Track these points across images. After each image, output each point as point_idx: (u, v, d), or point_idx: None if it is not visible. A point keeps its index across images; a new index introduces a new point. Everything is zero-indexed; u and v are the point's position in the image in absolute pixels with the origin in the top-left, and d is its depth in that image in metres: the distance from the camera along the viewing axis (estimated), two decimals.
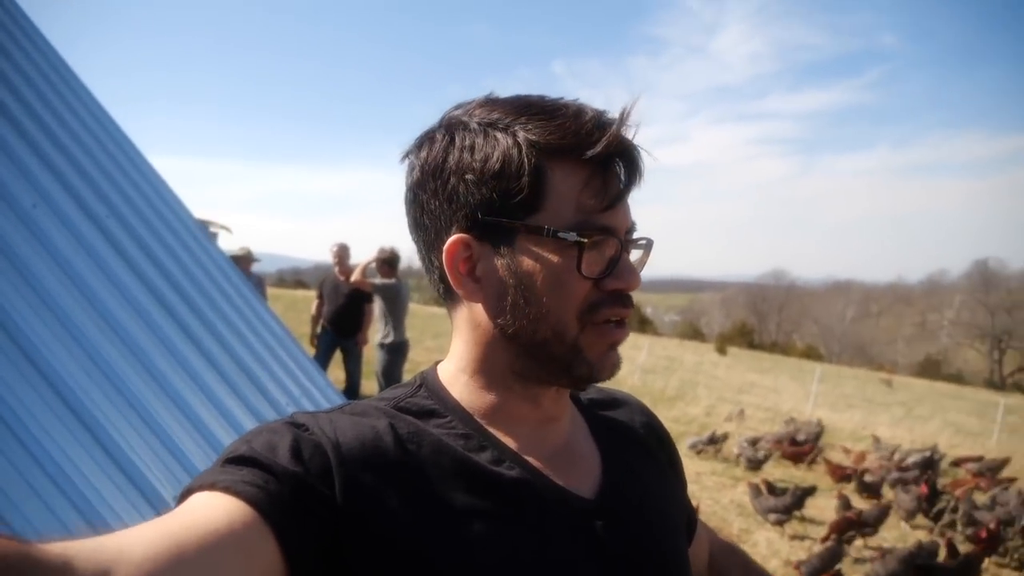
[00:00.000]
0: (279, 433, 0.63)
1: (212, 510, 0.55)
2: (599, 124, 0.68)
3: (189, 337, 2.81)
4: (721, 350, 28.29)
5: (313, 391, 3.61)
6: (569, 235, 0.67)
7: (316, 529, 0.59)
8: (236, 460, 0.60)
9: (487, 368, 0.74)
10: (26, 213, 2.34)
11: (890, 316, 63.89)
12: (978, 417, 17.75)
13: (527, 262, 0.69)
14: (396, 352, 6.67)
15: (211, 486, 0.57)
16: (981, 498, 6.78)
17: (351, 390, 7.13)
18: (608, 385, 0.91)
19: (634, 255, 0.75)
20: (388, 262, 6.59)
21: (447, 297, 0.76)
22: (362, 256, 6.86)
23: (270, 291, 10.85)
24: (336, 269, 7.22)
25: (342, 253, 7.18)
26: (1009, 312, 52.01)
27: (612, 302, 0.70)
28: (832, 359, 45.74)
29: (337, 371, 7.52)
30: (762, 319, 60.89)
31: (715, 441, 8.46)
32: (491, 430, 0.73)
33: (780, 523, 5.84)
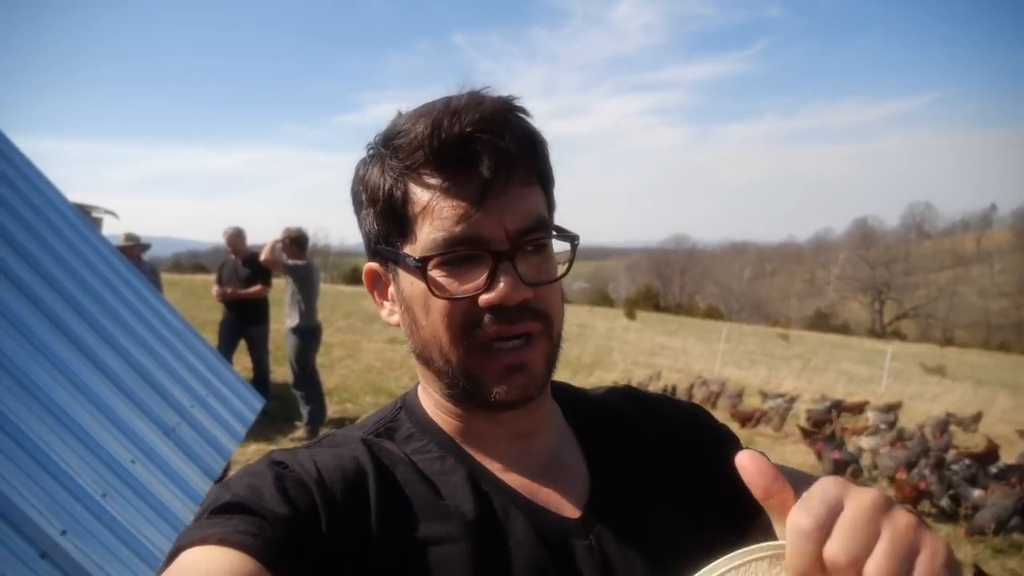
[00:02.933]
0: (259, 476, 0.62)
1: (213, 565, 0.53)
2: (445, 124, 0.63)
3: (68, 338, 2.48)
4: (630, 315, 29.05)
5: (220, 387, 3.32)
6: (410, 259, 0.66)
7: (312, 568, 0.58)
8: (222, 509, 0.58)
9: (430, 389, 0.74)
10: None
11: (783, 274, 67.77)
12: (866, 365, 19.07)
13: (406, 286, 0.69)
14: (309, 336, 6.37)
15: (203, 540, 0.55)
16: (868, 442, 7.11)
17: (259, 380, 6.78)
18: (642, 386, 0.84)
19: (562, 248, 0.70)
20: (297, 241, 6.26)
21: None
22: (260, 238, 6.55)
23: (166, 277, 10.17)
24: (232, 255, 6.85)
25: (236, 237, 6.82)
26: (887, 266, 56.26)
27: (492, 320, 0.65)
28: (732, 317, 48.05)
29: (244, 359, 7.13)
30: (666, 283, 63.16)
31: None
32: (468, 450, 0.72)
33: None
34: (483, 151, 0.63)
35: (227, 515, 0.57)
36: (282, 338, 6.80)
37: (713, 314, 44.95)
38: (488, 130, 0.63)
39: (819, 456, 6.30)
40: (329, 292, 21.12)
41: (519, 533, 0.66)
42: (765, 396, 10.01)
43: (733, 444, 0.83)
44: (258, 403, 3.72)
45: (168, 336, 3.28)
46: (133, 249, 6.43)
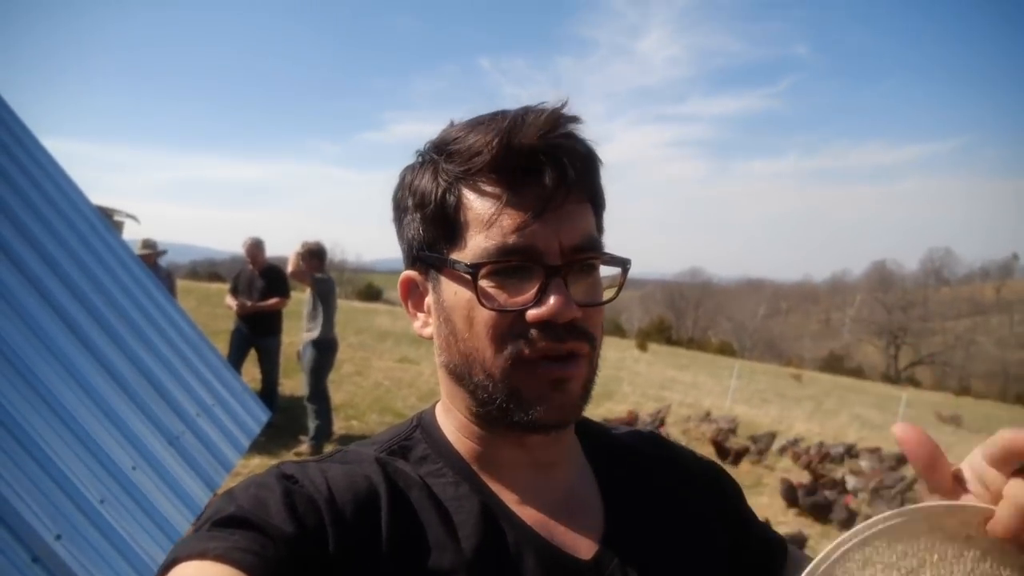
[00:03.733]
0: (268, 488, 0.59)
1: None
2: (509, 133, 0.62)
3: (79, 338, 2.47)
4: (642, 347, 28.86)
5: (227, 397, 3.29)
6: (461, 265, 0.63)
7: None
8: (225, 522, 0.55)
9: (456, 408, 0.71)
10: None
11: (798, 313, 67.22)
12: (879, 410, 18.77)
13: (448, 295, 0.66)
14: (327, 349, 6.36)
15: (201, 554, 0.52)
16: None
17: (268, 392, 6.75)
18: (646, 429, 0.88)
19: (610, 273, 0.69)
20: (316, 254, 6.29)
21: None
22: (278, 250, 6.59)
23: (182, 284, 10.23)
24: (249, 265, 6.88)
25: (255, 248, 6.87)
26: (904, 310, 55.62)
27: (540, 336, 0.62)
28: (744, 354, 47.62)
29: (253, 370, 7.11)
30: (679, 316, 62.74)
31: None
32: (483, 477, 0.69)
33: None
34: (546, 163, 0.62)
35: (230, 529, 0.55)
36: (292, 351, 6.77)
37: (725, 350, 44.57)
38: (553, 143, 0.62)
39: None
40: (343, 308, 21.12)
41: (528, 571, 0.64)
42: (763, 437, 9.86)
43: (750, 512, 0.84)
44: (264, 415, 3.69)
45: (179, 343, 3.27)
46: (150, 256, 6.47)
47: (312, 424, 6.27)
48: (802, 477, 7.76)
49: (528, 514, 0.68)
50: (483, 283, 0.63)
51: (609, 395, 13.25)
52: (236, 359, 6.66)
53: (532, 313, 0.62)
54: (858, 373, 43.78)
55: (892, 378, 47.47)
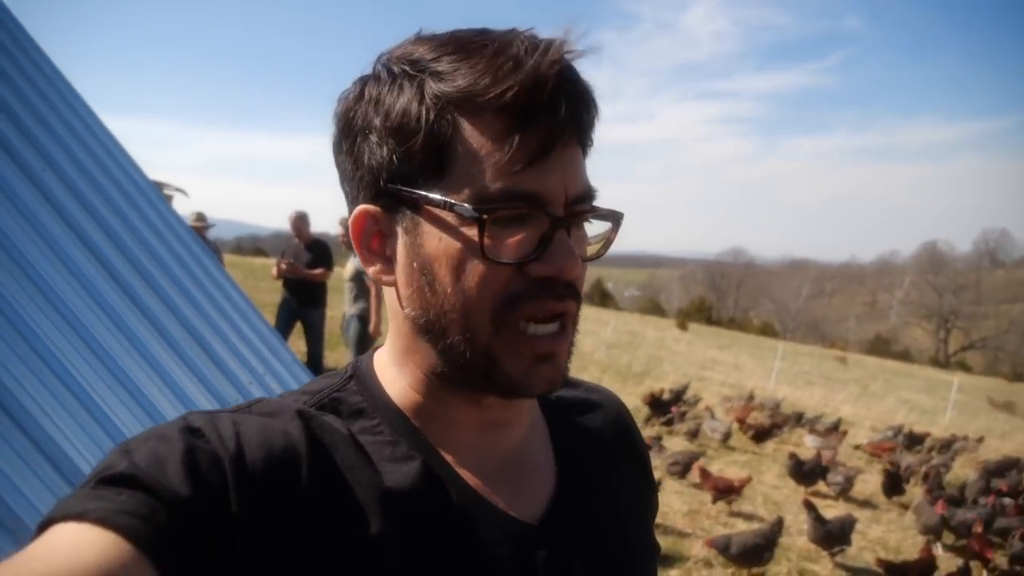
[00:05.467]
0: (169, 442, 0.52)
1: (79, 548, 0.44)
2: (519, 62, 0.54)
3: (138, 307, 2.52)
4: (682, 326, 28.59)
5: (277, 366, 3.35)
6: (464, 208, 0.54)
7: (212, 562, 0.48)
8: (113, 479, 0.48)
9: (412, 363, 0.63)
10: None
11: (842, 295, 65.70)
12: (928, 394, 18.29)
13: (430, 241, 0.57)
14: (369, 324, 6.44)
15: (79, 516, 0.45)
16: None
17: (313, 363, 6.87)
18: (586, 379, 0.83)
19: (595, 229, 0.62)
20: None
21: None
22: (321, 225, 6.67)
23: (228, 258, 10.44)
24: (295, 239, 6.98)
25: (300, 221, 6.97)
26: (955, 293, 53.89)
27: (538, 293, 0.57)
28: (786, 336, 46.81)
29: (299, 342, 7.24)
30: (720, 296, 61.92)
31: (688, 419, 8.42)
32: (426, 435, 0.62)
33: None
34: (560, 97, 0.55)
35: (117, 488, 0.48)
36: (335, 324, 6.86)
37: (767, 331, 43.87)
38: (567, 76, 0.55)
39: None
40: None
41: (472, 538, 0.59)
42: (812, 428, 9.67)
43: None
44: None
45: (231, 313, 3.32)
46: (201, 229, 6.62)
47: None
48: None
49: (473, 475, 0.63)
50: (476, 231, 0.55)
51: (648, 373, 13.18)
52: (283, 331, 6.78)
53: (537, 268, 0.56)
54: (905, 357, 42.67)
55: (941, 362, 46.16)
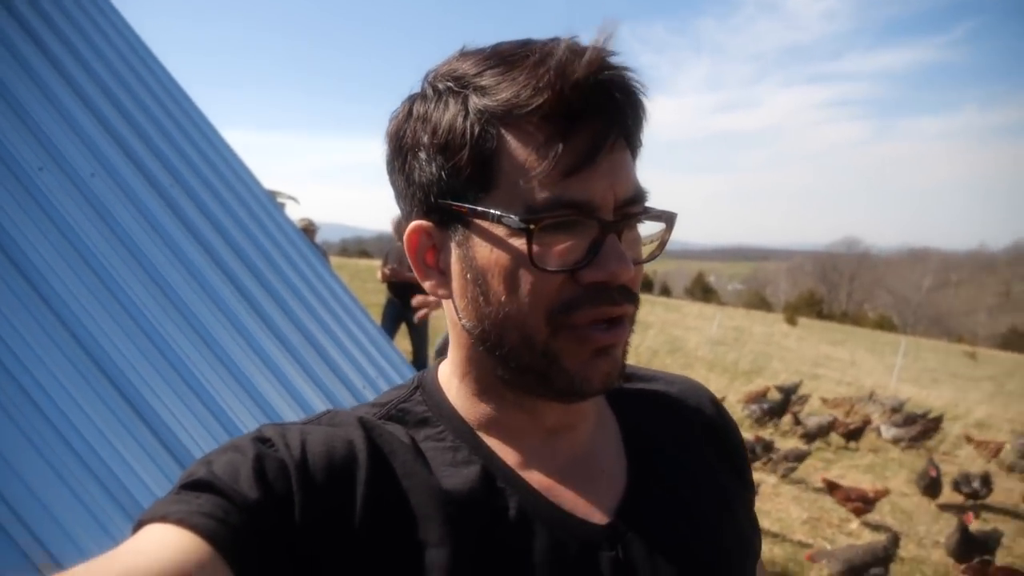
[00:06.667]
0: (242, 451, 0.56)
1: (163, 546, 0.48)
2: (558, 71, 0.54)
3: (258, 314, 2.62)
4: (791, 321, 27.31)
5: (389, 370, 3.40)
6: (511, 219, 0.56)
7: (279, 563, 0.52)
8: (193, 485, 0.53)
9: (474, 373, 0.65)
10: (83, 182, 2.16)
11: (971, 285, 60.91)
12: None
13: (482, 253, 0.59)
14: None
15: (163, 517, 0.50)
16: None
17: (419, 363, 7.01)
18: (670, 370, 0.82)
19: (650, 229, 0.63)
20: None
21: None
22: None
23: (334, 260, 10.88)
24: (398, 241, 7.15)
25: (402, 224, 7.11)
26: None
27: (592, 300, 0.57)
28: (906, 330, 43.89)
29: (404, 343, 7.42)
30: (832, 289, 58.84)
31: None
32: (488, 441, 0.64)
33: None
34: (605, 102, 0.55)
35: (195, 492, 0.52)
36: (442, 325, 6.96)
37: (885, 325, 41.24)
38: (611, 80, 0.56)
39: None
40: None
41: (534, 541, 0.59)
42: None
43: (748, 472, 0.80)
44: None
45: (344, 317, 3.41)
46: (310, 234, 6.89)
47: None
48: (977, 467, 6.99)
49: (536, 478, 0.63)
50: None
51: (758, 371, 12.65)
52: (389, 332, 6.95)
53: (588, 274, 0.57)
54: None
55: None
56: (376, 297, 9.00)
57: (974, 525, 5.00)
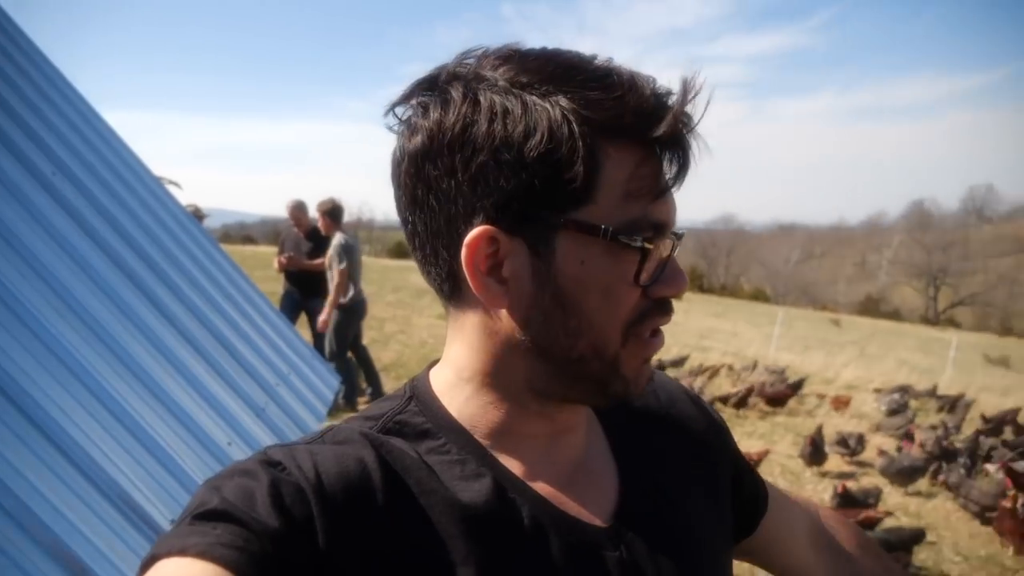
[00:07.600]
0: (254, 476, 0.54)
1: None
2: (660, 100, 0.58)
3: (162, 313, 2.42)
4: None
5: (299, 364, 3.26)
6: (634, 240, 0.57)
7: None
8: (208, 515, 0.51)
9: (499, 382, 0.63)
10: None
11: (832, 257, 66.08)
12: (923, 353, 18.46)
13: (572, 266, 0.58)
14: (351, 313, 6.32)
15: (181, 551, 0.48)
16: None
17: (320, 355, 6.78)
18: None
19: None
20: (331, 214, 6.25)
21: (453, 295, 0.63)
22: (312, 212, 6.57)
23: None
24: (294, 228, 6.87)
25: (298, 210, 6.89)
26: (944, 250, 54.21)
27: (658, 311, 0.61)
28: (779, 300, 47.06)
29: (303, 332, 7.15)
30: (712, 264, 62.02)
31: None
32: (493, 451, 0.64)
33: None
34: (687, 141, 0.59)
35: (211, 523, 0.51)
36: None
37: (759, 296, 44.09)
38: (690, 121, 0.59)
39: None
40: (375, 266, 21.24)
41: (550, 548, 0.60)
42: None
43: (742, 458, 0.84)
44: (334, 380, 3.67)
45: (250, 311, 3.23)
46: (198, 219, 6.48)
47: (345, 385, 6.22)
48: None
49: (542, 486, 0.64)
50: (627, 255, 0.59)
51: None
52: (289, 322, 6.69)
53: (660, 289, 0.61)
54: (896, 316, 43.07)
55: (931, 320, 46.64)
56: (267, 285, 8.60)
57: (853, 484, 5.46)
